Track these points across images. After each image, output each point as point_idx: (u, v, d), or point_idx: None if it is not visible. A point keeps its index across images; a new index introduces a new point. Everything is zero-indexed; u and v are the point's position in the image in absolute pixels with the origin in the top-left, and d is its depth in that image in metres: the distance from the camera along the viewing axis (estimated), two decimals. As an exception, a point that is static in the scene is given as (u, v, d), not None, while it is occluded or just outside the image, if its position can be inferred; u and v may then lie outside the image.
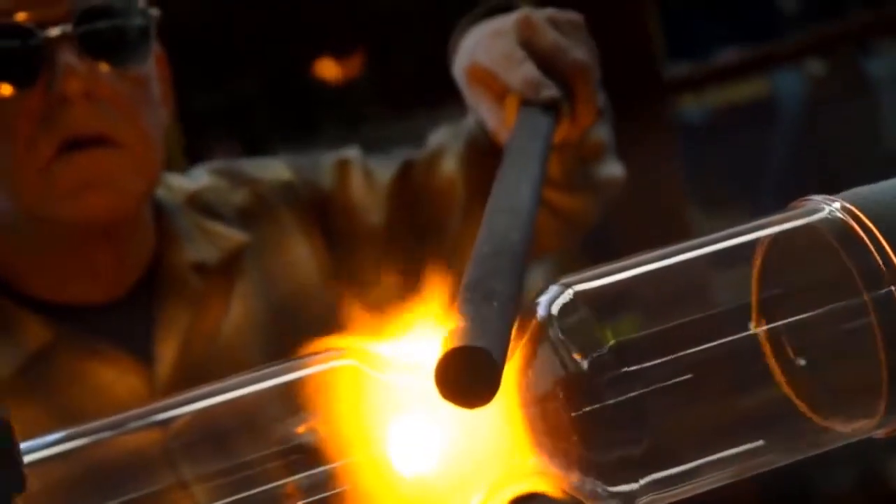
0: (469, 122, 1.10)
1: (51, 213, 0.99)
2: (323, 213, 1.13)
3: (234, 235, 1.09)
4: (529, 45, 0.95)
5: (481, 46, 0.98)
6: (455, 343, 0.46)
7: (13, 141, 0.97)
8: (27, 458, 0.45)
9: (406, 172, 1.13)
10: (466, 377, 0.45)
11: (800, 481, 2.41)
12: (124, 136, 0.98)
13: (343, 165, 1.15)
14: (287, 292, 1.09)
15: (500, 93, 0.95)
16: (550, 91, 0.91)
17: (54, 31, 0.95)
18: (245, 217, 1.11)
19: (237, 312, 1.07)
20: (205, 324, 1.05)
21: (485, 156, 1.05)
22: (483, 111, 0.99)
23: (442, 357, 0.45)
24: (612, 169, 1.11)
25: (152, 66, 1.03)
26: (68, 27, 0.96)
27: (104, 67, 0.97)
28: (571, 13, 1.01)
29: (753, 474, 0.52)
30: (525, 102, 0.91)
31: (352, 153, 1.16)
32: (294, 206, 1.13)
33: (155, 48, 1.04)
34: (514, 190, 0.69)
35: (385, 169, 1.14)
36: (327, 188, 1.14)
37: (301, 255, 1.11)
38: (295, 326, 1.06)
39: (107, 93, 0.97)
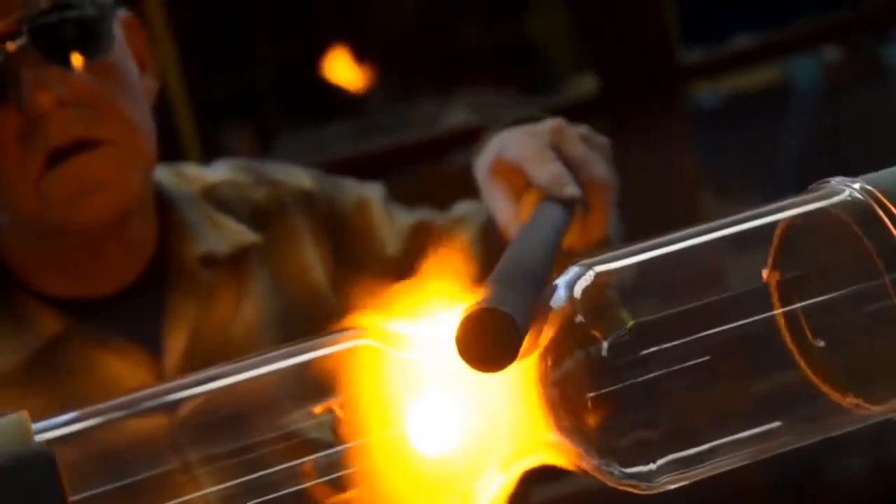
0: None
1: (51, 222, 0.98)
2: (338, 230, 1.14)
3: (244, 232, 1.09)
4: (558, 151, 0.96)
5: (511, 143, 0.99)
6: (477, 307, 0.46)
7: (2, 159, 0.96)
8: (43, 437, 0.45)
9: (427, 226, 1.15)
10: (487, 340, 0.45)
11: (810, 470, 2.41)
12: (107, 132, 0.97)
13: (364, 195, 1.15)
14: (298, 293, 1.10)
15: (519, 190, 0.96)
16: (573, 189, 0.92)
17: (11, 46, 0.93)
18: (259, 216, 1.11)
19: (248, 309, 1.07)
20: (214, 317, 1.05)
21: (497, 243, 1.06)
22: (497, 204, 1.00)
23: (463, 319, 0.45)
24: None
25: (121, 50, 1.00)
26: (23, 38, 0.93)
27: (70, 68, 0.95)
28: (601, 136, 1.02)
29: (770, 456, 0.52)
30: (545, 199, 0.92)
31: (375, 189, 1.16)
32: (310, 215, 1.13)
33: (123, 16, 1.02)
34: (530, 248, 0.70)
35: (406, 214, 1.16)
36: (347, 208, 1.14)
37: (311, 259, 1.11)
38: (305, 327, 1.06)
39: (79, 94, 0.95)
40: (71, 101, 0.95)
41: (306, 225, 1.12)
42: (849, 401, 0.50)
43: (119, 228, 1.02)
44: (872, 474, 2.44)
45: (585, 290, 0.49)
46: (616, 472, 0.50)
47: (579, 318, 0.48)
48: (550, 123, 0.99)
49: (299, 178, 1.15)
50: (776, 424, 0.50)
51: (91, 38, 0.97)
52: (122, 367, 1.01)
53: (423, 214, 1.16)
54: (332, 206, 1.14)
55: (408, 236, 1.14)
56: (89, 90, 0.96)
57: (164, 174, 1.10)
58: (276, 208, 1.12)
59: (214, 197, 1.11)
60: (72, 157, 0.96)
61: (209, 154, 2.32)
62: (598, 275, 0.49)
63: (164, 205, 1.07)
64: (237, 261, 1.08)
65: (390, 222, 1.15)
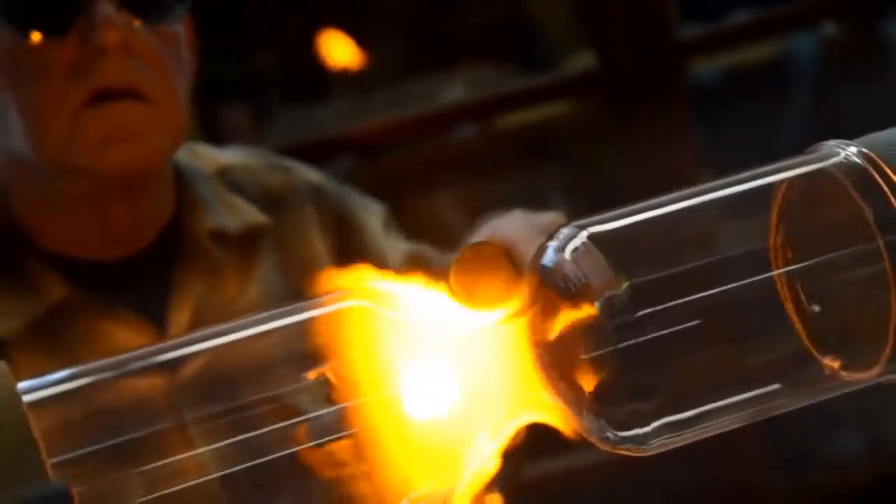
0: None
1: (76, 163, 0.99)
2: (344, 228, 1.15)
3: (255, 213, 1.11)
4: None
5: (505, 224, 0.99)
6: (474, 243, 0.45)
7: (44, 89, 0.98)
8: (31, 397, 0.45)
9: (421, 260, 1.15)
10: (480, 274, 0.45)
11: (806, 447, 2.41)
12: (154, 92, 0.99)
13: (370, 206, 1.17)
14: (304, 281, 1.11)
15: None
16: None
17: None
18: (271, 201, 1.12)
19: (253, 290, 1.08)
20: (220, 294, 1.06)
21: None
22: None
23: (460, 253, 0.45)
24: None
25: (182, 31, 1.04)
26: None
27: (139, 22, 0.99)
28: None
29: (764, 418, 0.52)
30: None
31: (378, 206, 1.18)
32: (319, 208, 1.14)
33: (185, 13, 1.05)
34: None
35: (403, 242, 1.17)
36: (353, 210, 1.16)
37: (319, 250, 1.12)
38: None
39: (141, 47, 0.98)
40: (133, 51, 0.98)
41: (315, 216, 1.14)
42: (840, 366, 0.50)
43: (135, 192, 1.03)
44: (866, 452, 2.44)
45: (578, 251, 0.49)
46: (610, 436, 0.50)
47: (572, 279, 0.48)
48: (550, 216, 1.00)
49: (310, 173, 1.17)
50: (769, 388, 0.50)
51: (167, 3, 1.01)
52: (124, 336, 1.01)
53: (419, 248, 1.16)
54: (339, 204, 1.16)
55: (402, 262, 1.14)
56: (151, 49, 0.99)
57: (180, 151, 1.11)
58: (288, 195, 1.14)
59: (227, 178, 1.12)
60: (116, 100, 0.98)
61: (209, 131, 2.32)
62: (591, 235, 0.49)
63: (179, 180, 1.08)
64: (247, 241, 1.09)
65: (390, 241, 1.15)
